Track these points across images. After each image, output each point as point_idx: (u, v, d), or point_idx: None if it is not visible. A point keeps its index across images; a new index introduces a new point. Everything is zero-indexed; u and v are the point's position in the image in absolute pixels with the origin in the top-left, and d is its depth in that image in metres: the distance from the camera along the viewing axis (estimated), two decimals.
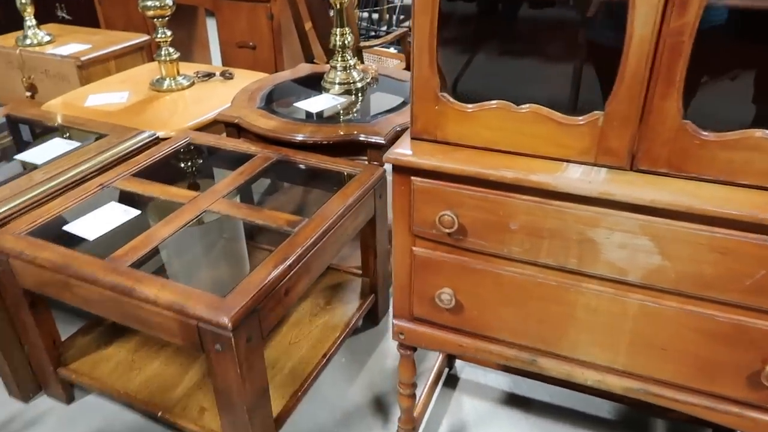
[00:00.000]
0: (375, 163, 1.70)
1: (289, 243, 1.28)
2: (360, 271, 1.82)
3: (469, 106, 0.92)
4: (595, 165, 0.89)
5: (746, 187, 0.83)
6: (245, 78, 2.21)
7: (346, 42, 1.89)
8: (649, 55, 0.79)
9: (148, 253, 1.23)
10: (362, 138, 1.66)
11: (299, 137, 1.68)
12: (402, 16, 4.69)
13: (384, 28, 4.64)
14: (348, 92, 1.94)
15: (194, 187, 1.66)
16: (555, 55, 0.96)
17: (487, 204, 0.94)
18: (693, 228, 0.84)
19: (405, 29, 2.74)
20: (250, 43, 3.15)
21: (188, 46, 3.72)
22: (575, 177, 0.87)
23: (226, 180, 1.51)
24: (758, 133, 0.79)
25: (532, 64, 0.98)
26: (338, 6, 1.85)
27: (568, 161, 0.90)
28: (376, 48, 2.81)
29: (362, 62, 1.94)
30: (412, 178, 0.97)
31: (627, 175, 0.87)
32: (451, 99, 0.92)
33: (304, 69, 2.21)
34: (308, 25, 2.96)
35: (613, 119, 0.84)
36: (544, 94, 0.91)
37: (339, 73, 1.93)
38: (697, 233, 0.84)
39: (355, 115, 1.84)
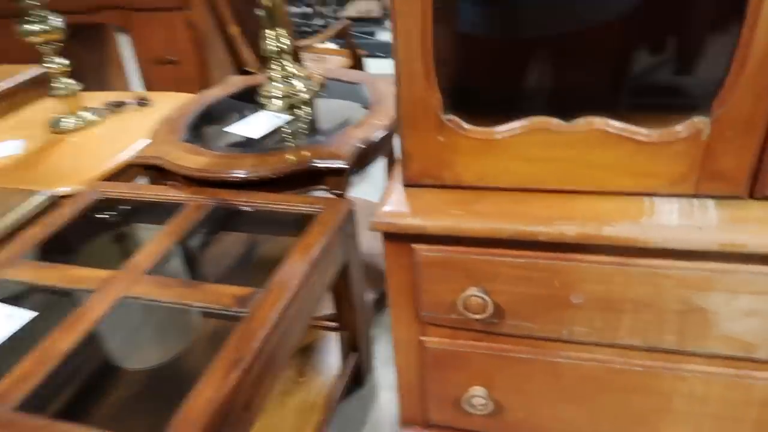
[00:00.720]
0: (336, 192, 1.37)
1: (242, 333, 0.93)
2: (335, 323, 1.48)
3: (496, 130, 0.59)
4: (695, 196, 0.58)
5: None
6: (166, 102, 1.82)
7: (282, 46, 1.54)
8: None
9: (45, 382, 0.86)
10: (318, 164, 1.31)
11: (239, 174, 1.32)
12: (336, 7, 4.33)
13: (320, 22, 4.27)
14: (292, 106, 1.59)
15: (108, 261, 1.28)
16: (612, 34, 0.64)
17: (535, 274, 0.62)
18: None
19: (346, 22, 2.40)
20: (171, 58, 2.75)
21: (101, 71, 3.26)
22: (673, 222, 0.56)
23: (150, 246, 1.15)
24: None
25: (576, 53, 0.67)
26: (268, 3, 1.49)
27: (652, 195, 0.59)
28: (314, 46, 2.46)
29: (300, 65, 1.61)
30: (415, 246, 0.65)
31: (748, 207, 0.57)
32: (464, 124, 0.60)
33: (235, 83, 1.84)
34: (234, 30, 2.58)
35: (727, 127, 0.54)
36: (599, 99, 0.60)
37: (278, 84, 1.58)
38: None
39: (305, 134, 1.50)
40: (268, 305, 0.97)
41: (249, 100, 1.67)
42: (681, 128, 0.55)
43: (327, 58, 2.56)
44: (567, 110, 0.58)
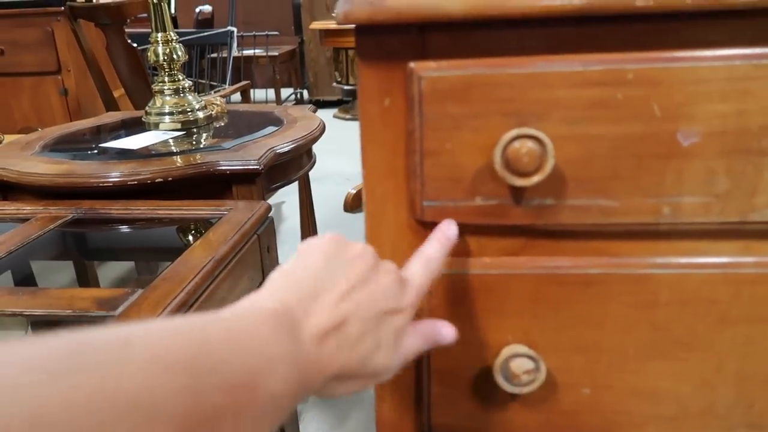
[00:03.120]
0: None
1: None
2: None
3: None
4: None
5: None
6: None
7: (174, 54, 1.28)
8: None
9: None
10: (223, 167, 1.02)
11: (112, 178, 0.99)
12: (228, 74, 4.15)
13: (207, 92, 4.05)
14: (186, 125, 1.30)
15: None
16: None
17: (621, 92, 0.36)
18: None
19: (246, 83, 2.20)
20: (38, 129, 2.37)
21: None
22: None
23: None
24: None
25: None
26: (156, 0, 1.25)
27: None
28: (217, 97, 2.21)
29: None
30: (414, 66, 0.37)
31: None
32: None
33: (114, 116, 1.53)
34: (119, 93, 2.29)
35: None
36: None
37: (168, 98, 1.30)
38: None
39: (205, 143, 1.20)
40: (148, 304, 0.63)
41: (131, 127, 1.37)
42: None
43: None
44: None
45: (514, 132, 0.37)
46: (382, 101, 0.39)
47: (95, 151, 1.15)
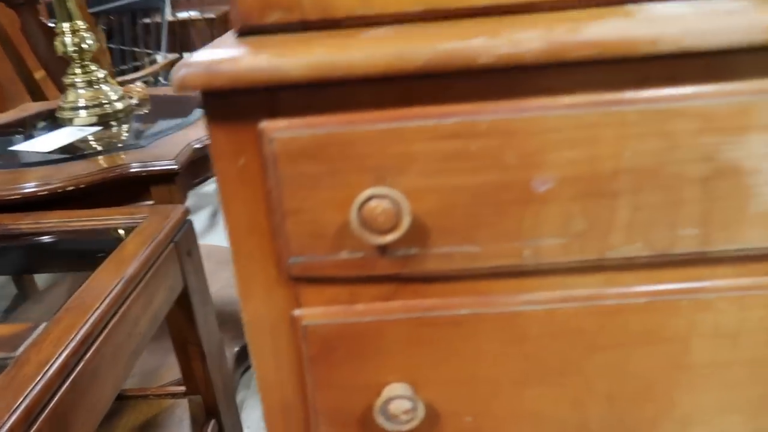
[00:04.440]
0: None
1: (3, 388, 0.57)
2: (182, 388, 1.10)
3: None
4: None
5: None
6: None
7: (83, 44, 1.22)
8: None
9: None
10: (137, 168, 0.99)
11: (24, 189, 0.95)
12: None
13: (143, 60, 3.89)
14: (103, 118, 1.25)
15: None
16: None
17: (475, 145, 0.36)
18: None
19: (175, 55, 2.11)
20: None
21: None
22: (683, 9, 0.35)
23: None
24: None
25: None
26: None
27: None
28: (138, 83, 2.13)
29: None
30: (264, 126, 0.36)
31: None
32: None
33: (30, 108, 1.46)
34: (40, 74, 2.18)
35: None
36: None
37: (82, 91, 1.24)
38: None
39: (122, 142, 1.16)
40: (48, 342, 0.62)
41: (47, 121, 1.31)
42: None
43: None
44: None
45: (367, 193, 0.36)
46: (237, 161, 0.38)
47: (4, 156, 1.10)
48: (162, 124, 1.22)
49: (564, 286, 0.41)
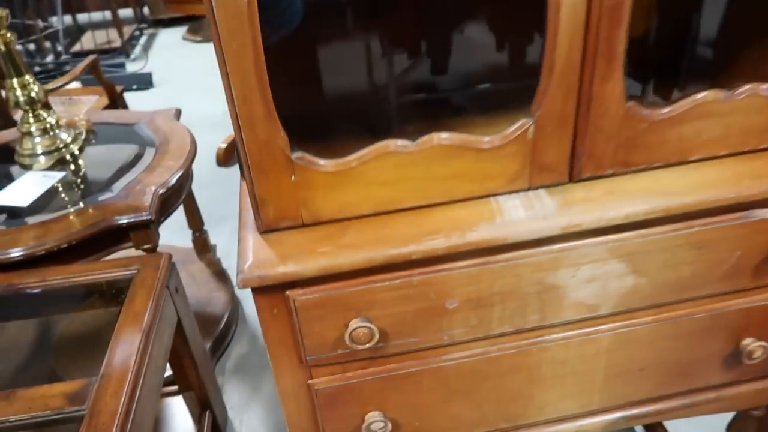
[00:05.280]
0: (145, 248, 1.24)
1: None
2: (174, 387, 1.35)
3: (350, 159, 0.59)
4: (529, 190, 0.65)
5: (698, 162, 0.68)
6: None
7: (33, 95, 1.34)
8: (581, 29, 0.56)
9: None
10: (120, 221, 1.18)
11: (18, 252, 1.13)
12: (68, 40, 3.88)
13: (50, 59, 3.78)
14: (61, 162, 1.39)
15: None
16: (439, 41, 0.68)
17: (411, 291, 0.64)
18: (669, 231, 0.66)
19: (93, 57, 2.16)
20: None
21: None
22: (521, 216, 0.62)
23: None
24: (709, 96, 0.63)
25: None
26: (3, 48, 1.28)
27: (497, 195, 0.65)
28: (81, 114, 2.18)
29: (53, 112, 1.38)
30: (289, 293, 0.62)
31: (572, 190, 0.65)
32: (316, 159, 0.59)
33: None
34: None
35: (546, 124, 0.61)
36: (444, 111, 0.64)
37: (39, 140, 1.37)
38: (674, 235, 0.66)
39: (89, 190, 1.33)
40: (110, 395, 0.85)
41: (6, 162, 1.44)
42: (512, 130, 0.60)
43: (79, 99, 2.29)
44: (410, 127, 0.60)
45: (354, 323, 0.63)
46: (273, 310, 0.63)
47: None
48: (117, 156, 1.39)
49: (467, 349, 0.71)
